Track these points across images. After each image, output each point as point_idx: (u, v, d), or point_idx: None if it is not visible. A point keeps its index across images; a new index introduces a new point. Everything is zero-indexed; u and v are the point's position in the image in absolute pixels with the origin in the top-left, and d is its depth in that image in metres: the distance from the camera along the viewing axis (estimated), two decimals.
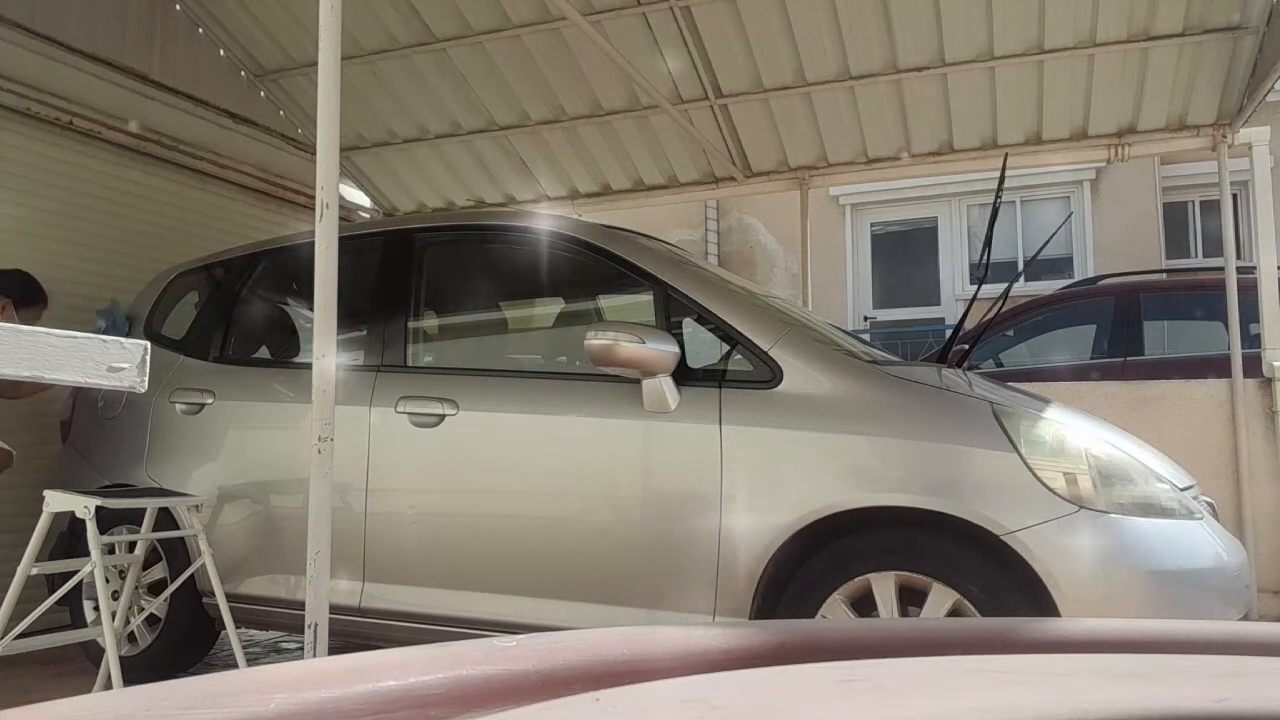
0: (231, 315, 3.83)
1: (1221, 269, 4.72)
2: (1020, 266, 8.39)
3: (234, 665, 3.47)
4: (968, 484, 2.42)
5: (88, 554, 3.00)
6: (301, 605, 2.38)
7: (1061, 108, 4.87)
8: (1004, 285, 3.43)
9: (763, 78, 5.02)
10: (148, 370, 1.07)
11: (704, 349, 2.95)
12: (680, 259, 3.18)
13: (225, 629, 3.30)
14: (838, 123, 5.24)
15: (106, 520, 3.46)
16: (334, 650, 2.19)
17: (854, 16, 4.56)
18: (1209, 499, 2.88)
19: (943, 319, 9.02)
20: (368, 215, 6.46)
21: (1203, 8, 4.22)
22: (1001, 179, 3.45)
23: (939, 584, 2.42)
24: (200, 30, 5.38)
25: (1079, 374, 5.40)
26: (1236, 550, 2.59)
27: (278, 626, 3.47)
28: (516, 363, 3.74)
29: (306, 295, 3.01)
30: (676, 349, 2.74)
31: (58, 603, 3.10)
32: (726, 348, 2.83)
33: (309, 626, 2.27)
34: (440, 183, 6.15)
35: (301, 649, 2.57)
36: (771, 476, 2.59)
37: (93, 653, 3.64)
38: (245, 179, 5.62)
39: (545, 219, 3.30)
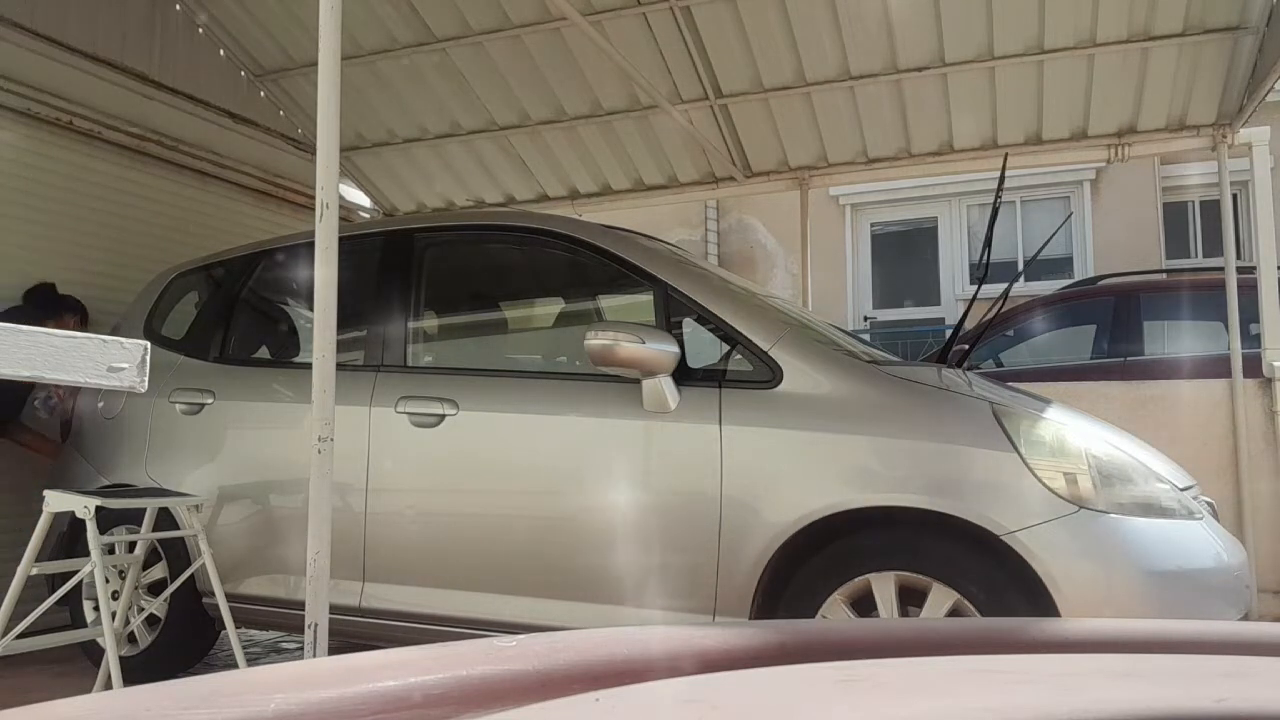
0: (231, 315, 3.83)
1: (1221, 269, 4.72)
2: (1020, 266, 8.39)
3: (234, 665, 3.47)
4: (968, 484, 2.42)
5: (88, 554, 3.00)
6: (301, 605, 2.38)
7: (1061, 108, 4.87)
8: (1004, 285, 3.43)
9: (763, 78, 5.02)
10: (148, 370, 1.07)
11: (704, 349, 2.95)
12: (680, 259, 3.18)
13: (225, 629, 3.30)
14: (838, 123, 5.24)
15: (106, 520, 3.46)
16: (334, 650, 2.19)
17: (854, 16, 4.56)
18: (1209, 499, 2.88)
19: (943, 319, 9.02)
20: (368, 215, 6.46)
21: (1203, 8, 4.22)
22: (1001, 179, 3.45)
23: (939, 584, 2.42)
24: (200, 30, 5.38)
25: (1079, 374, 5.40)
26: (1236, 550, 2.59)
27: (278, 626, 3.47)
28: (516, 363, 3.74)
29: (306, 295, 3.01)
30: (676, 349, 2.74)
31: (58, 603, 3.10)
32: (726, 348, 2.83)
33: (309, 626, 2.27)
34: (440, 183, 6.15)
35: (301, 649, 2.57)
36: (771, 476, 2.59)
37: (93, 653, 3.64)
38: (245, 179, 5.62)
39: (545, 219, 3.30)
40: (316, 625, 2.26)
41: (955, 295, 9.12)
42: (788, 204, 7.60)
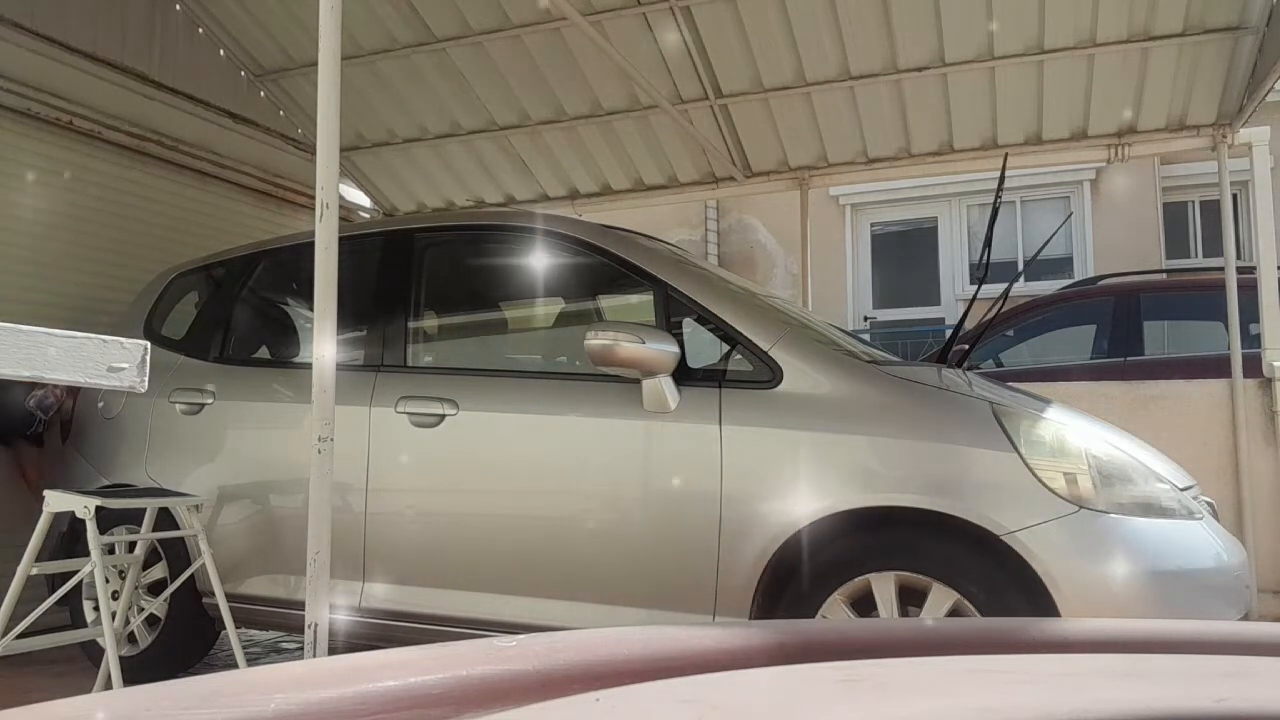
0: (231, 315, 3.83)
1: (1221, 269, 4.72)
2: (1020, 266, 8.39)
3: (234, 665, 3.47)
4: (968, 484, 2.42)
5: (88, 554, 3.00)
6: (301, 605, 2.38)
7: (1061, 108, 4.87)
8: (1004, 285, 3.43)
9: (763, 78, 5.02)
10: (148, 370, 1.07)
11: (704, 349, 2.95)
12: (680, 259, 3.18)
13: (225, 629, 3.30)
14: (838, 123, 5.24)
15: (106, 520, 3.46)
16: (334, 650, 2.19)
17: (854, 16, 4.56)
18: (1209, 499, 2.88)
19: (943, 319, 9.02)
20: (368, 215, 6.46)
21: (1203, 8, 4.22)
22: (1001, 179, 3.45)
23: (939, 584, 2.42)
24: (200, 30, 5.38)
25: (1079, 374, 5.40)
26: (1236, 550, 2.59)
27: (278, 626, 3.47)
28: (516, 363, 3.74)
29: (306, 295, 3.01)
30: (676, 349, 2.74)
31: (58, 603, 3.10)
32: (726, 348, 2.83)
33: (309, 626, 2.27)
34: (440, 183, 6.15)
35: (301, 649, 2.57)
36: (771, 477, 2.59)
37: (93, 653, 3.64)
38: (245, 179, 5.62)
39: (545, 219, 3.30)
40: (316, 625, 2.26)
41: (955, 295, 9.12)
42: (788, 204, 7.61)
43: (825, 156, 5.52)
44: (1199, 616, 2.37)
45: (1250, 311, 4.63)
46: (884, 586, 2.48)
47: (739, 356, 2.78)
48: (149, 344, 1.09)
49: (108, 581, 3.17)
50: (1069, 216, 8.64)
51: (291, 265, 3.87)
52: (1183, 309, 5.85)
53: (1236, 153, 4.86)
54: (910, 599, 2.47)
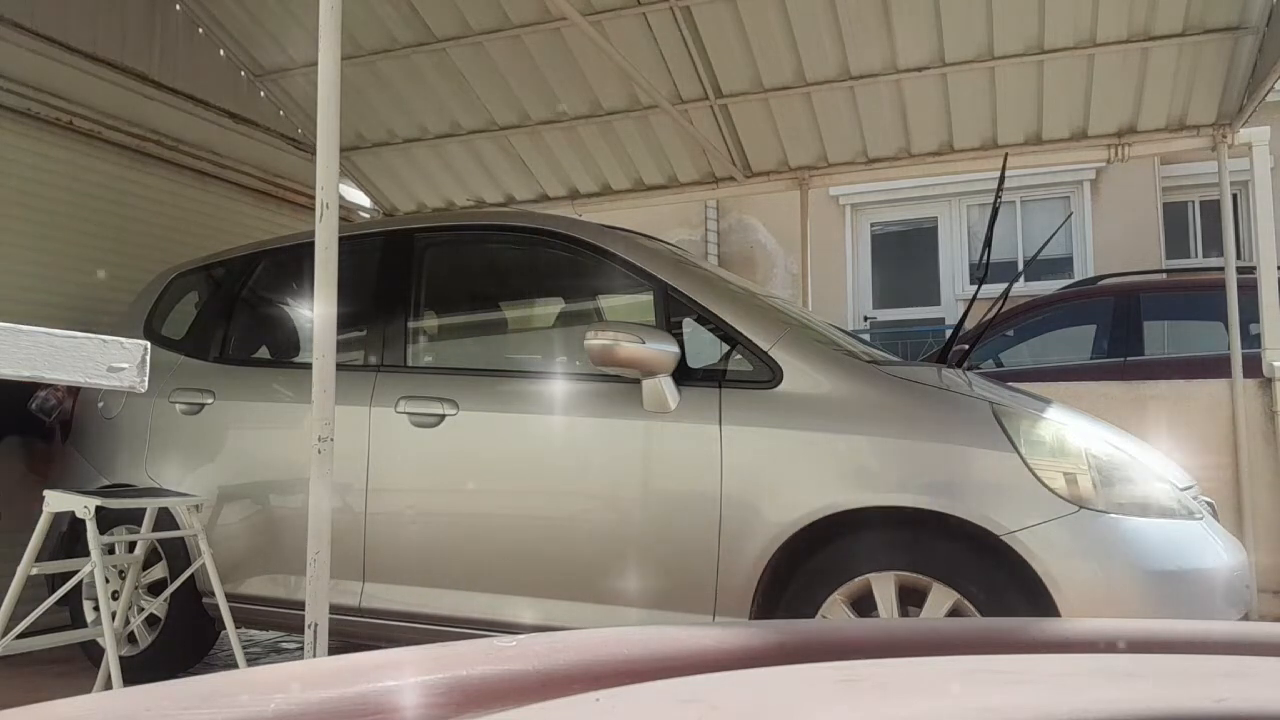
0: (231, 315, 3.83)
1: (1221, 269, 4.72)
2: (1020, 266, 8.39)
3: (234, 665, 3.47)
4: (968, 484, 2.42)
5: (88, 554, 3.00)
6: (301, 605, 2.38)
7: (1061, 108, 4.87)
8: (1004, 285, 3.43)
9: (763, 78, 5.02)
10: (148, 370, 1.07)
11: (704, 349, 2.95)
12: (680, 259, 3.18)
13: (225, 629, 3.30)
14: (838, 123, 5.24)
15: (106, 520, 3.46)
16: (334, 650, 2.19)
17: (854, 16, 4.56)
18: (1209, 499, 2.88)
19: (943, 319, 9.02)
20: (368, 215, 6.46)
21: (1203, 8, 4.22)
22: (1001, 179, 3.45)
23: (939, 584, 2.42)
24: (200, 30, 5.38)
25: (1079, 374, 5.40)
26: (1236, 550, 2.59)
27: (278, 626, 3.47)
28: (516, 363, 3.74)
29: (306, 295, 3.01)
30: (676, 349, 2.74)
31: (58, 603, 3.10)
32: (726, 348, 2.83)
33: (309, 626, 2.27)
34: (440, 183, 6.15)
35: (301, 649, 2.57)
36: (771, 476, 2.59)
37: (93, 653, 3.64)
38: (245, 179, 5.62)
39: (545, 219, 3.30)
40: (316, 625, 2.26)
41: (955, 295, 9.12)
42: (788, 204, 7.60)
43: (825, 156, 5.52)
44: (1199, 616, 2.37)
45: (1250, 311, 4.63)
46: (884, 586, 2.48)
47: (739, 356, 2.78)
48: (149, 344, 1.09)
49: (108, 581, 3.17)
50: (1069, 216, 8.64)
51: (291, 265, 3.87)
52: (1183, 309, 5.85)
53: (1236, 153, 4.86)
54: (910, 599, 2.47)
